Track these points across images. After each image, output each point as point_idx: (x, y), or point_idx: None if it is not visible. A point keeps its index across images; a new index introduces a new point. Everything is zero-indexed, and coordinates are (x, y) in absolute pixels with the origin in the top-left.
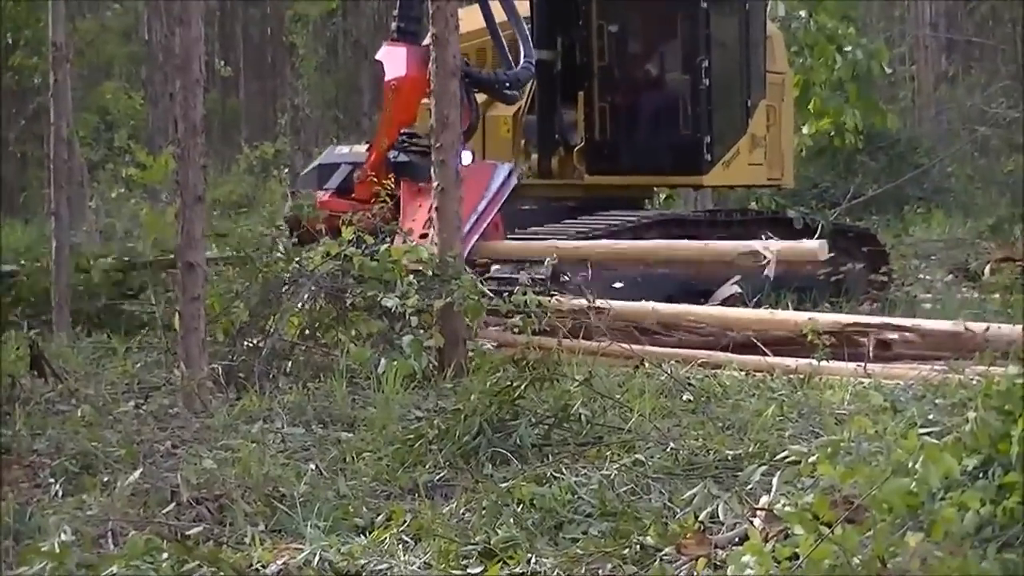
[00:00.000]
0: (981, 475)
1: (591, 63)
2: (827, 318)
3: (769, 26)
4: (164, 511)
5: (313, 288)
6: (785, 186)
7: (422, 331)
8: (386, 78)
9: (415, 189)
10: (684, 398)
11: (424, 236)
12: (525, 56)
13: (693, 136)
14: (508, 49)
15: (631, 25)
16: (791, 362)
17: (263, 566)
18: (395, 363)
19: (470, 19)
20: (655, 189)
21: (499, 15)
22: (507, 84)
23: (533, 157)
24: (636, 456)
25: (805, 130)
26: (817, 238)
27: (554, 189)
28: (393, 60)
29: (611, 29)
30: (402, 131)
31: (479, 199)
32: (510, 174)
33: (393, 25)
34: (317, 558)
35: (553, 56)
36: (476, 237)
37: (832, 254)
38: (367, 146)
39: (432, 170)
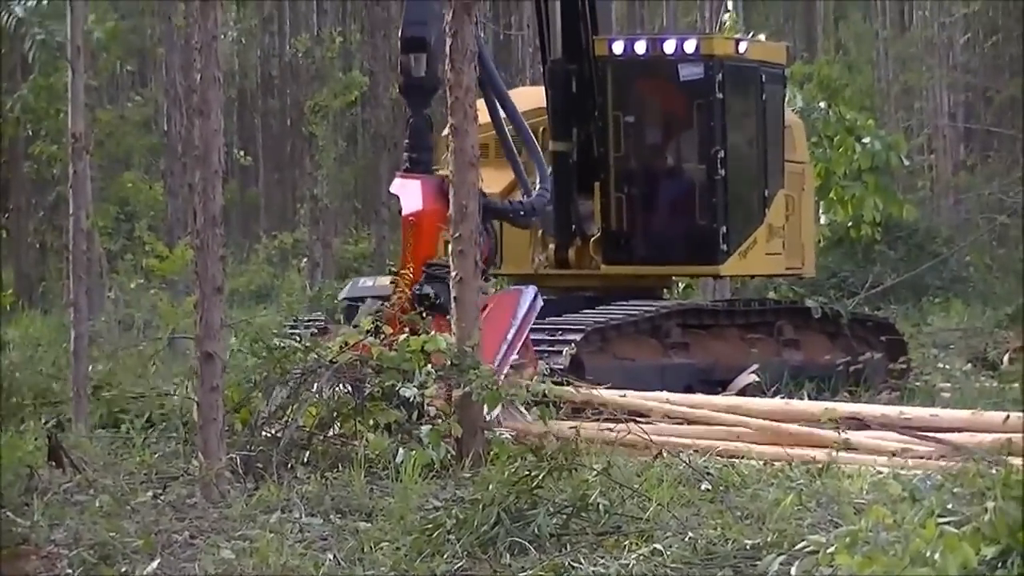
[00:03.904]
0: (1000, 565)
1: (607, 153)
2: (845, 408)
3: (789, 115)
4: None
5: (331, 378)
6: (806, 275)
7: (439, 420)
8: (403, 212)
9: (444, 321)
10: (703, 487)
11: None
12: (541, 182)
13: (709, 226)
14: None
15: (647, 116)
16: (809, 451)
17: None
18: (413, 453)
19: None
20: (674, 278)
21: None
22: (523, 212)
23: (550, 247)
24: (654, 546)
25: (823, 220)
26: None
27: (571, 279)
28: (408, 194)
29: (627, 120)
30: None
31: (507, 328)
32: (535, 298)
33: (404, 156)
34: None
35: (569, 147)
36: (507, 368)
37: None
38: (390, 277)
39: (451, 260)
